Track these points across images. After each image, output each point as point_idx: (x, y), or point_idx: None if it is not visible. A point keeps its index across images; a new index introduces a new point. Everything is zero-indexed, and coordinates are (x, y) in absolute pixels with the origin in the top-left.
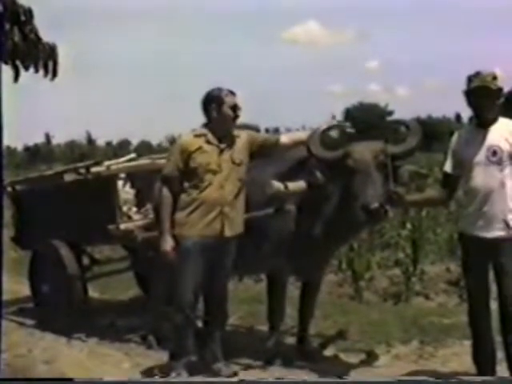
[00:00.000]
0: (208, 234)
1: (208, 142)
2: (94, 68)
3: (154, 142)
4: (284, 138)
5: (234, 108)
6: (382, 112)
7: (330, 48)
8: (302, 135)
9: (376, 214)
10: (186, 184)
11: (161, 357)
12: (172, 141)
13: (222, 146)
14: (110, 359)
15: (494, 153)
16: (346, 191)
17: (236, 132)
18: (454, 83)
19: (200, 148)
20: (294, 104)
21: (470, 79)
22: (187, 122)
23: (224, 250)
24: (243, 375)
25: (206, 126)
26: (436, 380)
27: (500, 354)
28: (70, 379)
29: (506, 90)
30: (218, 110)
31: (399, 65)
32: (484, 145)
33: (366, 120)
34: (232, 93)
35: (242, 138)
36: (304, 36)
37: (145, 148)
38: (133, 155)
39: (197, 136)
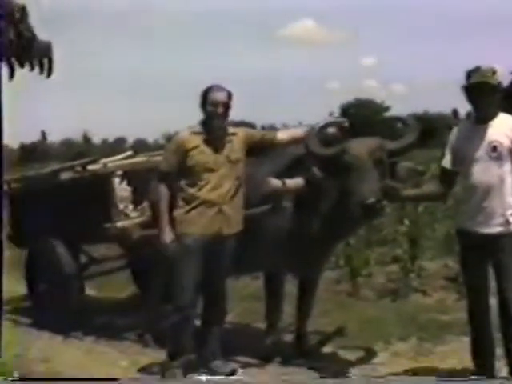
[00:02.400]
0: (207, 232)
1: (205, 140)
2: (92, 67)
3: (151, 139)
4: (281, 135)
5: (223, 105)
6: (379, 108)
7: (326, 45)
8: (299, 131)
9: (372, 209)
10: (183, 181)
11: (158, 355)
12: (168, 138)
13: (219, 144)
14: (107, 357)
15: (494, 148)
16: (343, 187)
17: (232, 129)
18: (451, 79)
19: (197, 146)
20: (290, 101)
21: (469, 74)
22: (185, 120)
23: (223, 248)
24: (241, 373)
25: (202, 122)
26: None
27: (499, 351)
28: (71, 379)
29: (505, 84)
30: (210, 108)
31: (395, 61)
32: (484, 140)
33: (363, 116)
34: (222, 89)
35: (239, 135)
36: (300, 34)
37: (141, 145)
38: (129, 153)
39: (194, 133)
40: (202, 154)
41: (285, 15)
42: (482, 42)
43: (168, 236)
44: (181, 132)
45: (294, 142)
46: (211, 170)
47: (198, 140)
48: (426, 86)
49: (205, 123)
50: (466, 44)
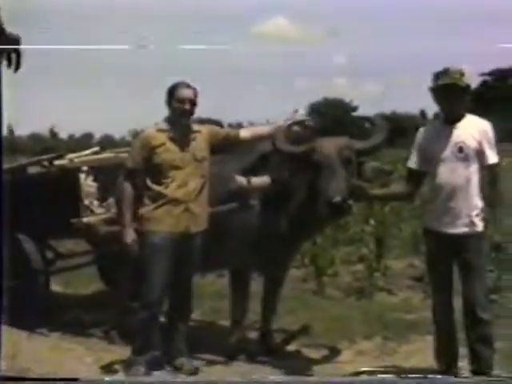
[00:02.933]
0: (174, 230)
1: (171, 138)
2: (59, 62)
3: (117, 135)
4: (245, 132)
5: (188, 101)
6: (347, 107)
7: (298, 43)
8: (263, 129)
9: (339, 208)
10: (150, 179)
11: (123, 352)
12: (135, 135)
13: (185, 141)
14: (73, 354)
15: (461, 149)
16: (310, 186)
17: (196, 127)
18: (420, 80)
19: (163, 144)
20: (259, 98)
21: (437, 76)
22: (151, 117)
23: (190, 245)
24: (206, 371)
25: (167, 119)
26: None
27: (462, 350)
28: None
29: (473, 86)
30: (176, 105)
31: (367, 60)
32: (451, 141)
33: (331, 115)
34: (190, 87)
35: (203, 133)
36: (273, 31)
37: (108, 141)
38: (96, 148)
39: (160, 131)
40: (168, 152)
41: (258, 13)
42: (453, 43)
43: (129, 236)
44: (146, 129)
45: (258, 139)
46: (177, 168)
47: (163, 137)
48: (396, 86)
49: (170, 120)
50: (438, 44)
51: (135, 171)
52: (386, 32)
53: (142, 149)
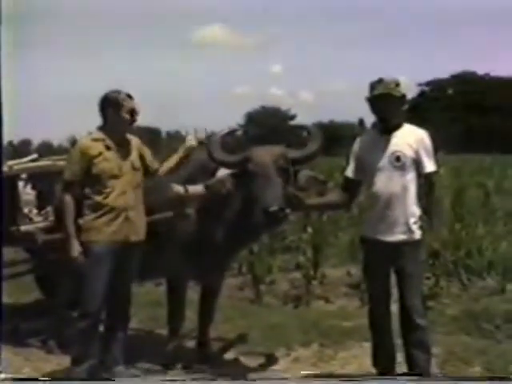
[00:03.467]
0: (115, 239)
1: (107, 147)
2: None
3: (55, 142)
4: (163, 169)
5: (132, 112)
6: (285, 116)
7: (235, 51)
8: (175, 157)
9: (275, 216)
10: (89, 189)
11: (62, 361)
12: (73, 142)
13: (122, 150)
14: (11, 364)
15: (398, 159)
16: (246, 195)
17: (130, 136)
18: (357, 88)
19: (101, 154)
20: (196, 106)
21: (372, 86)
22: (87, 124)
23: (129, 254)
24: (143, 379)
25: (101, 128)
26: None
27: (399, 356)
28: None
29: (410, 96)
30: (115, 114)
31: (303, 69)
32: (387, 150)
33: (268, 124)
34: (130, 96)
35: (136, 143)
36: (210, 38)
37: (46, 148)
38: (35, 155)
39: (95, 140)
40: (107, 161)
41: (195, 19)
42: (392, 53)
43: (75, 249)
44: (81, 139)
45: (174, 170)
46: (116, 177)
47: (100, 146)
48: (334, 95)
49: (106, 129)
50: (376, 54)
51: (74, 183)
52: (323, 41)
53: (79, 160)
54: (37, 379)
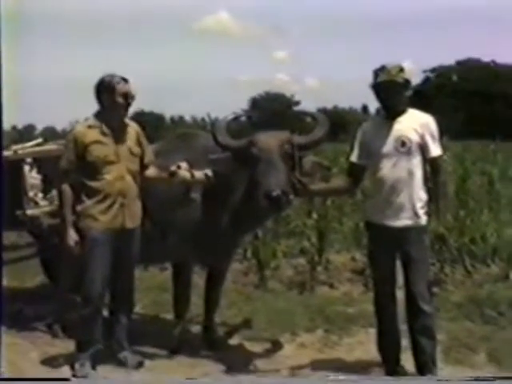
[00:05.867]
0: (112, 226)
1: (103, 133)
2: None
3: (59, 127)
4: (150, 172)
5: (126, 96)
6: (289, 102)
7: (239, 38)
8: (162, 175)
9: (278, 201)
10: (85, 176)
11: (67, 345)
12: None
13: (121, 136)
14: (18, 348)
15: (403, 143)
16: (251, 179)
17: (128, 121)
18: (363, 75)
19: (96, 141)
20: (201, 93)
21: (376, 73)
22: (90, 108)
23: (128, 240)
24: (149, 364)
25: (98, 114)
26: None
27: (404, 342)
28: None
29: (415, 82)
30: (109, 98)
31: (308, 56)
32: (392, 136)
33: (273, 109)
34: (124, 80)
35: (135, 129)
36: (215, 26)
37: (50, 133)
38: (39, 140)
39: (90, 127)
40: (103, 148)
41: (199, 8)
42: (397, 40)
43: (71, 239)
44: (76, 126)
45: (159, 180)
46: (113, 163)
47: (95, 133)
48: (338, 82)
49: (103, 115)
50: (380, 41)
51: (70, 171)
52: (327, 29)
53: (74, 148)
54: (37, 379)
